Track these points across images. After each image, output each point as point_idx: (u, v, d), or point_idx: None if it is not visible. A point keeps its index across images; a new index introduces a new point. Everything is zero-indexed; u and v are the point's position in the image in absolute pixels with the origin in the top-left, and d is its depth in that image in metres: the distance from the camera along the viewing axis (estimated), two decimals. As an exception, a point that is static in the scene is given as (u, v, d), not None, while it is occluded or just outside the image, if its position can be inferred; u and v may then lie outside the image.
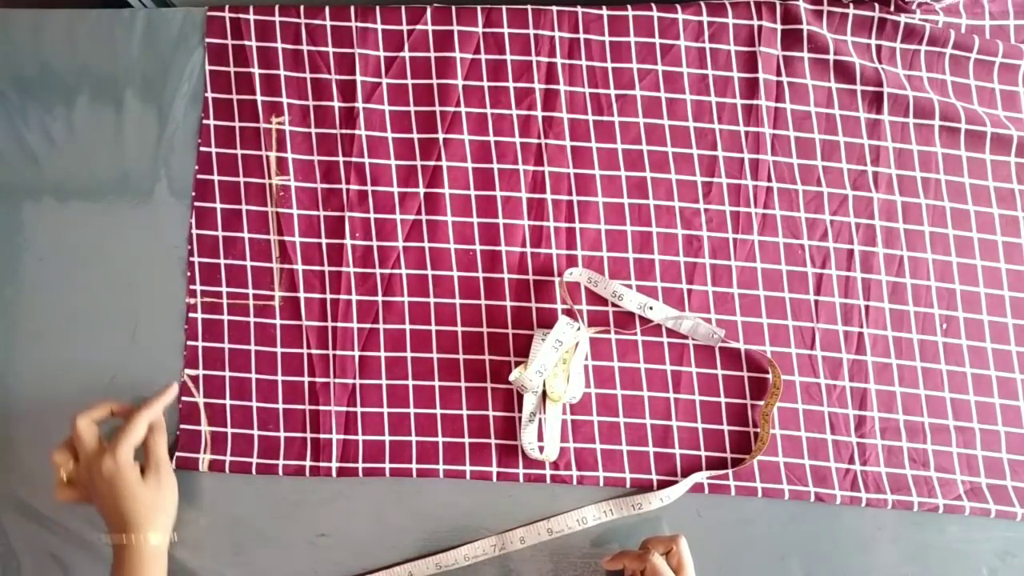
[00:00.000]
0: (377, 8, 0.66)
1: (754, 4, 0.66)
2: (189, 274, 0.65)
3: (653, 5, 0.66)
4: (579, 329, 0.61)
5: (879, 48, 0.66)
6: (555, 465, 0.62)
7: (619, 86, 0.66)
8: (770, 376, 0.63)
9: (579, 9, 0.66)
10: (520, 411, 0.62)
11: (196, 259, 0.65)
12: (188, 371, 0.64)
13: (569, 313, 0.63)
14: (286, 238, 0.65)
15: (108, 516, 0.55)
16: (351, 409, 0.63)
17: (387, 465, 0.63)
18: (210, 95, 0.66)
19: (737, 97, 0.66)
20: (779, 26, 0.66)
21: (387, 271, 0.65)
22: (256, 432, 0.64)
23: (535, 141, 0.66)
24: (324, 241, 0.65)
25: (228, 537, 0.63)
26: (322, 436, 0.63)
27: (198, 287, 0.65)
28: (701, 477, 0.61)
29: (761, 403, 0.63)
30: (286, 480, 0.63)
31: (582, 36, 0.66)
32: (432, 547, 0.62)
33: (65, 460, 0.57)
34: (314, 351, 0.64)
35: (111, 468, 0.55)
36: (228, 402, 0.64)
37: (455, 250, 0.65)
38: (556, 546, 0.62)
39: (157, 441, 0.58)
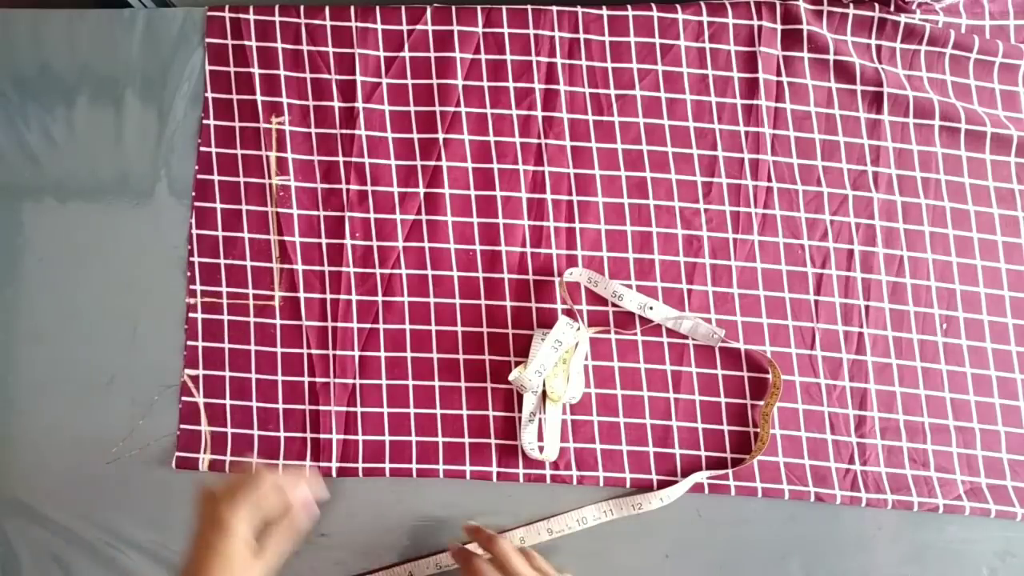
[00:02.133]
0: (377, 8, 0.66)
1: (754, 4, 0.66)
2: (189, 274, 0.65)
3: (653, 5, 0.66)
4: (579, 329, 0.61)
5: (879, 48, 0.66)
6: (555, 465, 0.62)
7: (619, 86, 0.66)
8: (770, 376, 0.63)
9: (579, 9, 0.66)
10: (520, 411, 0.62)
11: (196, 259, 0.65)
12: (188, 371, 0.64)
13: (569, 313, 0.63)
14: (286, 238, 0.65)
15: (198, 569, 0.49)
16: (351, 409, 0.63)
17: (387, 465, 0.63)
18: (210, 95, 0.66)
19: (737, 97, 0.66)
20: (779, 26, 0.66)
21: (387, 271, 0.65)
22: (256, 432, 0.64)
23: (535, 141, 0.66)
24: (324, 241, 0.65)
25: (228, 537, 0.63)
26: (322, 436, 0.63)
27: (198, 287, 0.65)
28: (701, 477, 0.61)
29: (761, 403, 0.63)
30: (286, 480, 0.63)
31: (582, 36, 0.66)
32: (432, 547, 0.62)
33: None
34: (314, 351, 0.64)
35: (234, 530, 0.49)
36: (228, 402, 0.64)
37: (455, 250, 0.65)
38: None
39: (283, 539, 0.52)
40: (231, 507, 0.49)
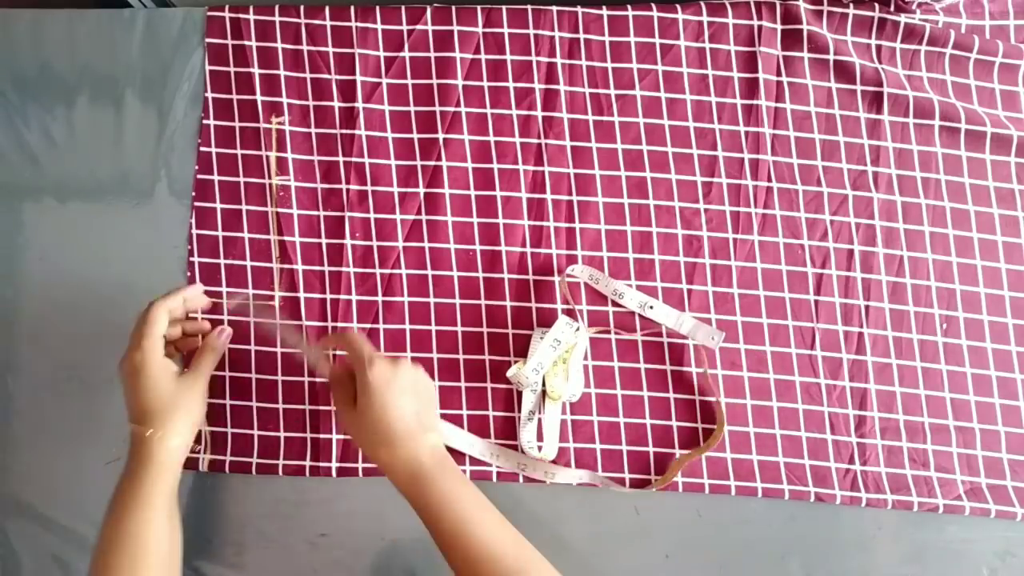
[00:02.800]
0: (377, 8, 0.66)
1: (754, 4, 0.66)
2: (189, 274, 0.65)
3: (653, 5, 0.66)
4: (578, 330, 0.61)
5: (879, 48, 0.66)
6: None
7: (619, 86, 0.66)
8: (716, 419, 0.62)
9: (579, 9, 0.66)
10: (519, 410, 0.62)
11: (196, 259, 0.65)
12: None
13: (569, 312, 0.63)
14: (286, 238, 0.65)
15: (129, 407, 0.54)
16: (351, 409, 0.63)
17: (387, 465, 0.63)
18: (210, 95, 0.66)
19: (737, 97, 0.66)
20: (779, 26, 0.66)
21: (387, 271, 0.65)
22: (256, 432, 0.63)
23: (535, 141, 0.66)
24: (324, 241, 0.65)
25: (228, 537, 0.63)
26: (322, 436, 0.63)
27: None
28: (586, 477, 0.61)
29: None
30: (286, 480, 0.63)
31: (582, 36, 0.66)
32: (432, 547, 0.62)
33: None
34: (314, 351, 0.64)
35: (138, 360, 0.54)
36: (228, 402, 0.64)
37: (455, 250, 0.65)
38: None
39: (207, 355, 0.58)
40: (132, 352, 0.55)
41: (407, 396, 0.53)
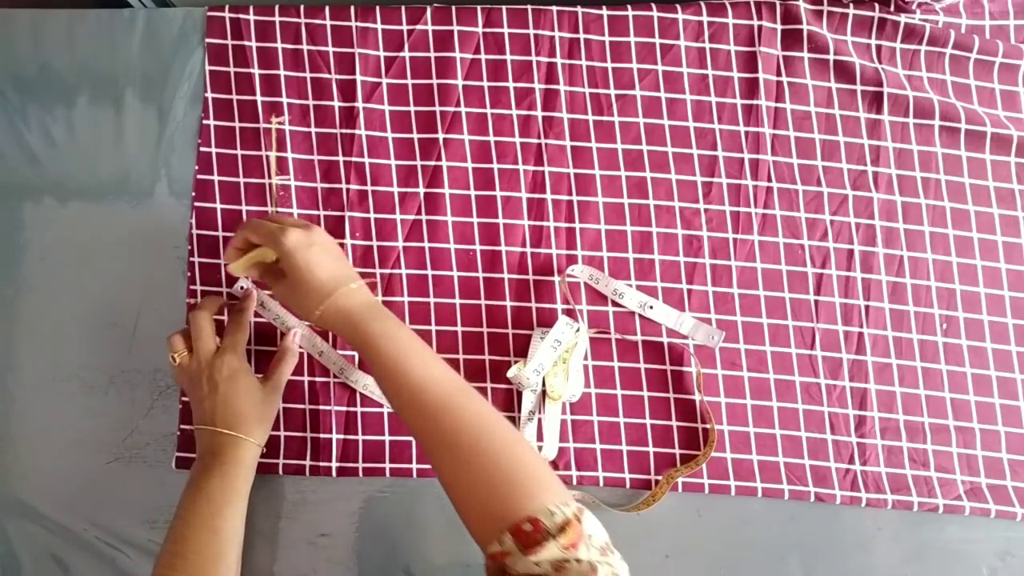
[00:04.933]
0: (377, 8, 0.66)
1: (754, 4, 0.66)
2: (189, 274, 0.65)
3: (653, 5, 0.66)
4: (578, 331, 0.61)
5: (879, 48, 0.66)
6: (555, 465, 0.62)
7: (619, 86, 0.66)
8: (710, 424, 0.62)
9: (579, 9, 0.66)
10: (520, 411, 0.62)
11: (196, 259, 0.65)
12: (188, 371, 0.64)
13: (570, 312, 0.63)
14: (286, 238, 0.65)
15: (215, 412, 0.57)
16: (351, 409, 0.63)
17: (387, 465, 0.63)
18: (210, 95, 0.66)
19: (737, 97, 0.66)
20: (779, 26, 0.66)
21: (387, 271, 0.65)
22: (256, 432, 0.63)
23: (535, 141, 0.66)
24: (324, 241, 0.65)
25: (228, 537, 0.63)
26: (322, 436, 0.63)
27: (198, 287, 0.65)
28: None
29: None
30: (286, 480, 0.63)
31: (582, 36, 0.66)
32: (432, 547, 0.62)
33: (181, 348, 0.59)
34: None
35: (234, 365, 0.58)
36: (228, 402, 0.64)
37: (455, 250, 0.65)
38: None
39: (287, 362, 0.61)
40: (227, 356, 0.58)
41: (326, 253, 0.56)
